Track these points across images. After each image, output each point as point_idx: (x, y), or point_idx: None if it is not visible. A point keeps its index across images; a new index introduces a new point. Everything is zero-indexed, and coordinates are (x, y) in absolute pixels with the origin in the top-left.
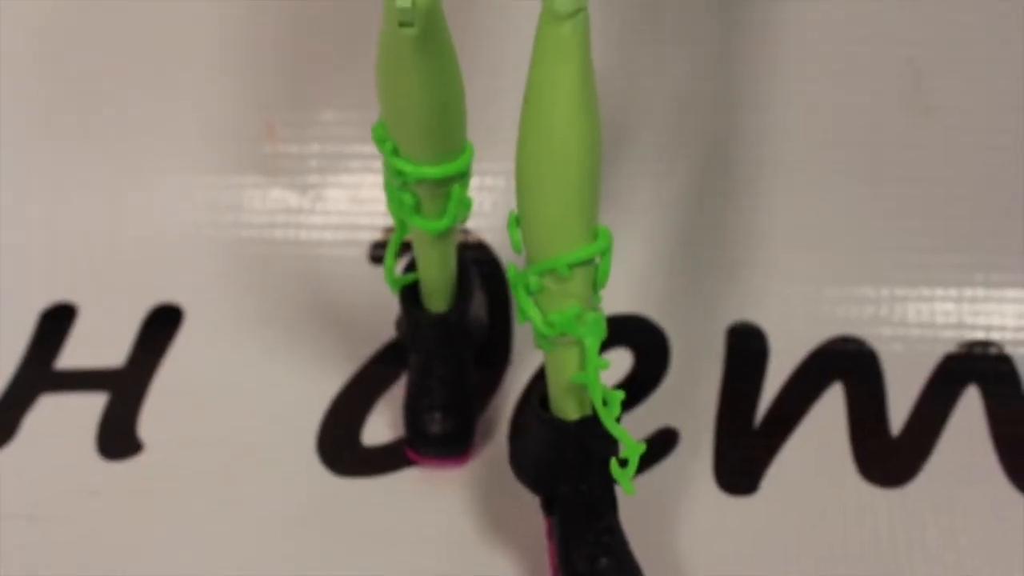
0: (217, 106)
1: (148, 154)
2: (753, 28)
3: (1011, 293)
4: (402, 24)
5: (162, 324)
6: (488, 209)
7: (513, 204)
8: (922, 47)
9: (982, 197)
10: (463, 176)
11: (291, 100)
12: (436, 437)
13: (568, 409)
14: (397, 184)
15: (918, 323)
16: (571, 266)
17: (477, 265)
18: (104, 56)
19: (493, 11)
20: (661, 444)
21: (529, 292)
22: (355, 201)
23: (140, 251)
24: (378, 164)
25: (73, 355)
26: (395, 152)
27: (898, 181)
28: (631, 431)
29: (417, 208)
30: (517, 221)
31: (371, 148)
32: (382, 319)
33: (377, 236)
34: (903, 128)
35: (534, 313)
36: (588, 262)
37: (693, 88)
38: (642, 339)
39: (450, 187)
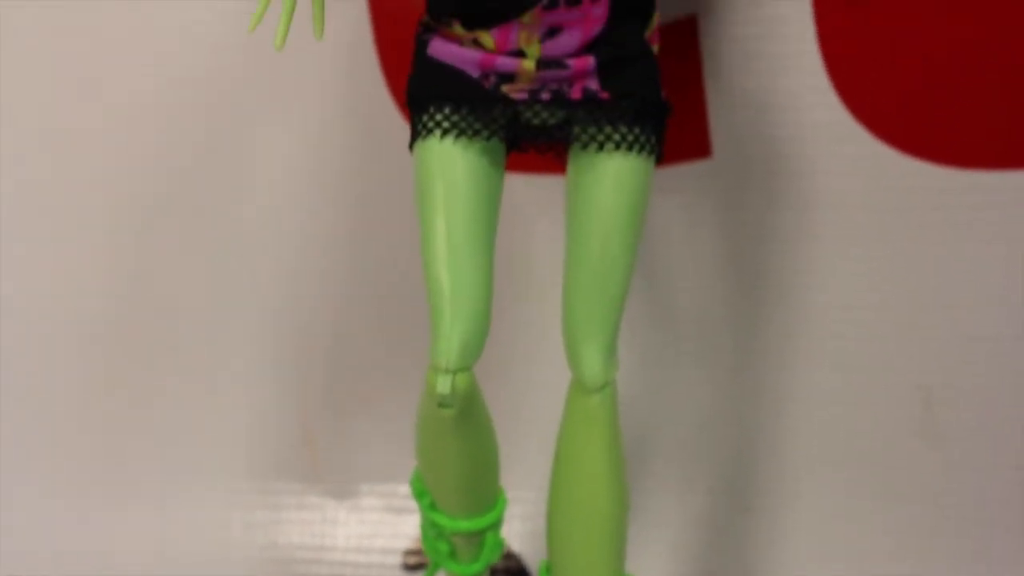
0: (258, 413)
1: (188, 460)
2: (769, 355)
3: None
4: (441, 406)
5: None
6: (517, 521)
7: (540, 514)
8: (932, 374)
9: (995, 517)
10: (496, 525)
11: (330, 409)
12: None
13: None
14: (433, 534)
15: None
16: None
17: (507, 574)
18: (148, 361)
19: (518, 339)
20: None
21: None
22: (389, 510)
23: (181, 558)
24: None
25: None
26: (432, 506)
27: (910, 501)
28: None
29: (452, 554)
30: (548, 568)
31: (405, 460)
32: None
33: (409, 544)
34: (915, 450)
35: None
36: None
37: (712, 408)
38: None
39: (484, 535)
